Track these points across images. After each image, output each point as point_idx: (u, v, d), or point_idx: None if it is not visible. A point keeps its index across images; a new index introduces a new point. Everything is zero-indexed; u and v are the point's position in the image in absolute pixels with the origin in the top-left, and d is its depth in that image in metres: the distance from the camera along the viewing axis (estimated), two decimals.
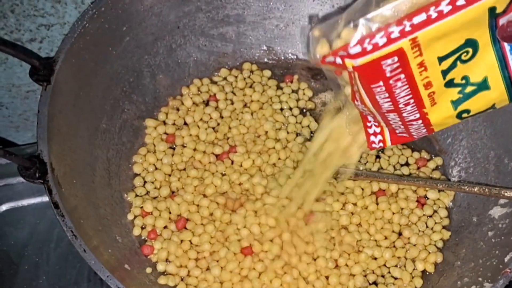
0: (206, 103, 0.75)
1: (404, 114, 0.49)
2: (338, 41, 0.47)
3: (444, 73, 0.46)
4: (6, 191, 0.76)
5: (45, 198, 0.57)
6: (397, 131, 0.53)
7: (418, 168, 0.72)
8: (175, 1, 0.71)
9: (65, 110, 0.62)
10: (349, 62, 0.46)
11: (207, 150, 0.71)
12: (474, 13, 0.42)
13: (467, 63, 0.45)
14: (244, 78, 0.76)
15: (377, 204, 0.69)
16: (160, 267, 0.65)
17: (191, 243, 0.66)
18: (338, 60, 0.46)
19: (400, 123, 0.51)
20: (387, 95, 0.47)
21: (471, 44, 0.44)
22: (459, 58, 0.45)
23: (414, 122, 0.50)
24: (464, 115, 0.49)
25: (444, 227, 0.69)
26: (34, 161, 0.57)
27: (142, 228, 0.67)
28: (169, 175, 0.70)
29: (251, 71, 0.77)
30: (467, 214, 0.69)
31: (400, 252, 0.67)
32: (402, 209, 0.69)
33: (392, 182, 0.68)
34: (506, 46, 0.44)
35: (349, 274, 0.65)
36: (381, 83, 0.46)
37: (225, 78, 0.76)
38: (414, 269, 0.66)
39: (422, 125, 0.50)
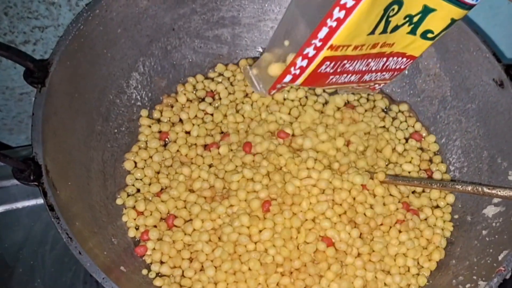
0: (202, 100, 0.75)
1: (373, 68, 0.55)
2: (272, 74, 0.54)
3: (385, 29, 0.51)
4: (1, 193, 0.75)
5: (40, 201, 0.57)
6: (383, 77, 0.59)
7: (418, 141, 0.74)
8: (170, 3, 0.71)
9: (59, 112, 0.62)
10: (291, 84, 0.55)
11: (197, 143, 0.71)
12: None
13: (400, 11, 0.50)
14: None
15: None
16: (155, 268, 0.65)
17: (183, 243, 0.66)
18: (280, 86, 0.55)
19: (380, 73, 0.57)
20: (346, 75, 0.54)
21: (395, 2, 0.49)
22: (388, 16, 0.49)
23: (389, 63, 0.56)
24: (429, 34, 0.55)
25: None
26: (29, 164, 0.57)
27: (137, 229, 0.67)
28: (158, 173, 0.70)
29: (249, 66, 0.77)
30: (461, 213, 0.70)
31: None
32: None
33: (389, 182, 0.69)
34: None
35: (344, 275, 0.65)
36: (331, 77, 0.53)
37: (221, 74, 0.77)
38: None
39: (397, 58, 0.57)
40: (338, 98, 0.75)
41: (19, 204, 0.76)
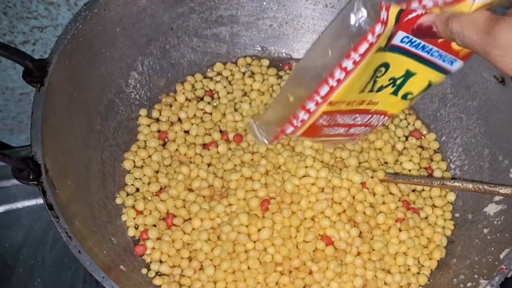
0: (201, 99, 0.75)
1: (359, 122, 0.61)
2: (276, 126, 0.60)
3: (372, 88, 0.57)
4: (1, 193, 0.76)
5: (40, 200, 0.57)
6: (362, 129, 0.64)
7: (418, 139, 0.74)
8: (169, 2, 0.71)
9: (59, 111, 0.62)
10: (291, 136, 0.61)
11: (196, 142, 0.71)
12: (366, 61, 0.52)
13: (386, 73, 0.55)
14: (242, 71, 0.77)
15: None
16: (154, 267, 0.65)
17: (183, 242, 0.66)
18: (283, 137, 0.61)
19: (363, 127, 0.63)
20: (336, 128, 0.61)
21: (383, 65, 0.55)
22: (376, 76, 0.56)
23: (372, 119, 0.62)
24: (409, 96, 0.59)
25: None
26: (28, 163, 0.57)
27: (136, 228, 0.67)
28: (157, 172, 0.70)
29: (248, 65, 0.77)
30: (462, 212, 0.69)
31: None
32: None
33: (389, 180, 0.68)
34: (399, 44, 0.51)
35: (345, 273, 0.65)
36: (324, 129, 0.60)
37: (219, 73, 0.77)
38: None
39: (379, 116, 0.62)
40: None
41: (19, 204, 0.76)
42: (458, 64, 0.55)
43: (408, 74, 0.56)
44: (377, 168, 0.69)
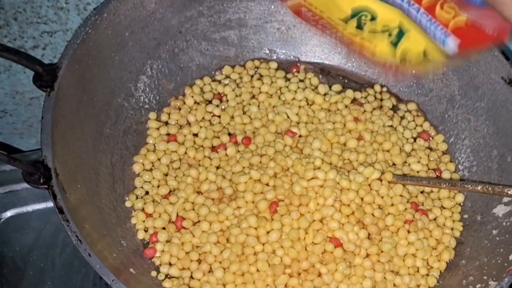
0: (209, 102, 0.75)
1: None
2: None
3: (358, 25, 0.51)
4: (11, 197, 0.76)
5: (50, 204, 0.57)
6: None
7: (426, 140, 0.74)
8: (177, 6, 0.71)
9: (68, 115, 0.63)
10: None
11: (204, 145, 0.71)
12: None
13: (375, 20, 0.49)
14: (250, 74, 0.77)
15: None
16: (164, 270, 0.65)
17: (192, 244, 0.66)
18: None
19: None
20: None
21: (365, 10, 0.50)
22: (360, 18, 0.50)
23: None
24: (409, 54, 0.51)
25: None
26: (39, 167, 0.57)
27: (145, 231, 0.67)
28: (166, 175, 0.70)
29: (256, 68, 0.77)
30: (471, 213, 0.69)
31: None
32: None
33: (396, 182, 0.68)
34: None
35: (353, 275, 0.65)
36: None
37: (228, 76, 0.77)
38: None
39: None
40: (349, 92, 0.76)
41: (29, 207, 0.77)
42: (451, 43, 0.47)
43: (402, 29, 0.50)
44: (385, 170, 0.69)
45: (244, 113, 0.74)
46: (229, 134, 0.73)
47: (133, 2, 0.68)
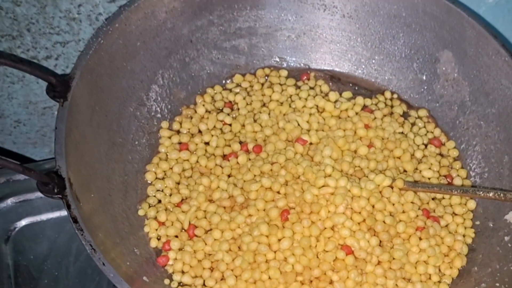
0: (221, 110, 0.75)
1: None
2: None
3: None
4: (25, 206, 0.77)
5: (64, 213, 0.58)
6: None
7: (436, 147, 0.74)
8: (188, 16, 0.72)
9: (81, 125, 0.63)
10: None
11: (215, 153, 0.72)
12: None
13: None
14: (261, 83, 0.77)
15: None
16: (176, 278, 0.66)
17: (204, 252, 0.66)
18: None
19: None
20: None
21: None
22: None
23: None
24: None
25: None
26: (52, 177, 0.58)
27: (158, 239, 0.68)
28: (178, 183, 0.71)
29: (267, 76, 0.78)
30: (483, 219, 0.69)
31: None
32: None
33: (407, 189, 0.68)
34: None
35: (365, 282, 0.65)
36: None
37: (239, 85, 0.77)
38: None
39: None
40: (359, 99, 0.76)
41: (43, 216, 0.77)
42: None
43: None
44: (396, 177, 0.69)
45: (255, 121, 0.74)
46: (240, 142, 0.73)
47: (144, 12, 0.68)
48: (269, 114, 0.74)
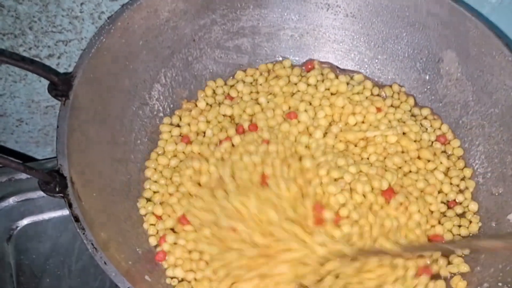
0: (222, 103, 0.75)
1: None
2: None
3: None
4: (27, 205, 0.77)
5: (66, 212, 0.58)
6: None
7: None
8: (191, 15, 0.72)
9: (84, 124, 0.63)
10: None
11: (211, 141, 0.71)
12: None
13: None
14: (265, 76, 0.77)
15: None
16: (169, 272, 0.65)
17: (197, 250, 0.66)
18: None
19: None
20: None
21: None
22: None
23: None
24: None
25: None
26: (54, 176, 0.58)
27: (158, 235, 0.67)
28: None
29: (269, 71, 0.77)
30: (486, 219, 0.69)
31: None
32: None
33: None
34: None
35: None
36: None
37: (242, 81, 0.76)
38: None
39: None
40: (368, 83, 0.76)
41: (46, 216, 0.77)
42: None
43: None
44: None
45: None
46: (236, 124, 0.72)
47: (146, 11, 0.68)
48: (270, 96, 0.74)
